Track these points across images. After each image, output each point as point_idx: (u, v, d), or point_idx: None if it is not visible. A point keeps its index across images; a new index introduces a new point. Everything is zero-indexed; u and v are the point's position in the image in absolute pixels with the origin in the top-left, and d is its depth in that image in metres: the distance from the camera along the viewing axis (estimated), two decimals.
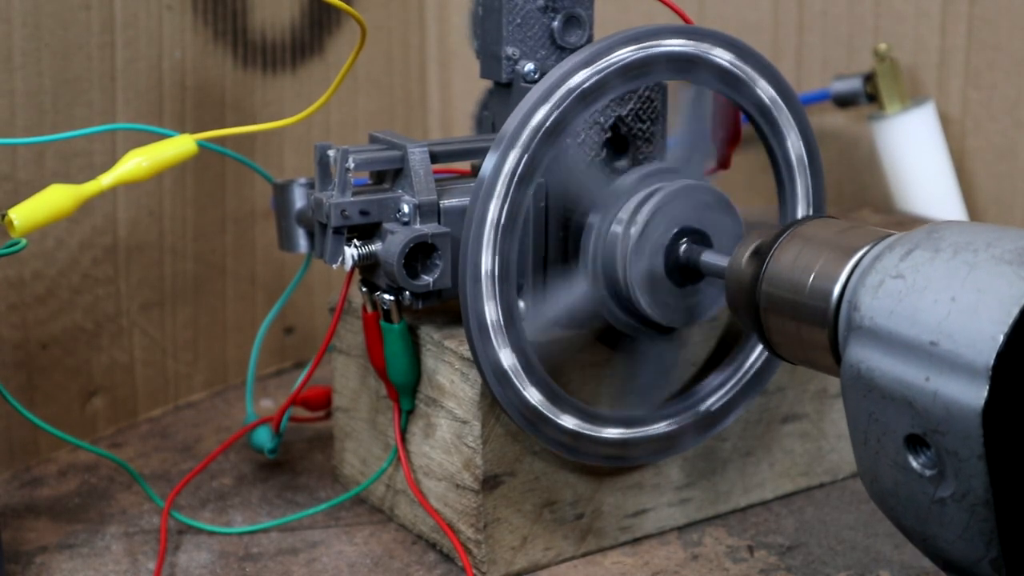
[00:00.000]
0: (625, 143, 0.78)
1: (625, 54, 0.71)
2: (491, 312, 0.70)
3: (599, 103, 0.71)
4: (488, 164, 0.69)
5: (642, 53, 0.71)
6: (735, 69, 0.74)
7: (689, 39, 0.73)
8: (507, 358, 0.70)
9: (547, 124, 0.69)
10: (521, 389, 0.71)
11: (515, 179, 0.69)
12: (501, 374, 0.70)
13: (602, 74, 0.70)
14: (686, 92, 0.75)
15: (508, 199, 0.69)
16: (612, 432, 0.74)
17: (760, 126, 0.76)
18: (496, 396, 0.71)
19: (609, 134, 0.77)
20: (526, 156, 0.69)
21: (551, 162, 0.72)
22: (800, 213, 0.78)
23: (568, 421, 0.73)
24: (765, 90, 0.76)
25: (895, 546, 0.77)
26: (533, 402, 0.71)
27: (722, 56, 0.74)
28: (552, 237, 0.75)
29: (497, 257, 0.69)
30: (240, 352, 1.01)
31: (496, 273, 0.69)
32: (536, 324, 0.73)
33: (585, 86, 0.70)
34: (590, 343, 0.76)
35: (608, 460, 0.75)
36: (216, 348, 1.00)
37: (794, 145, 0.77)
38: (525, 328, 0.71)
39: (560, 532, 0.77)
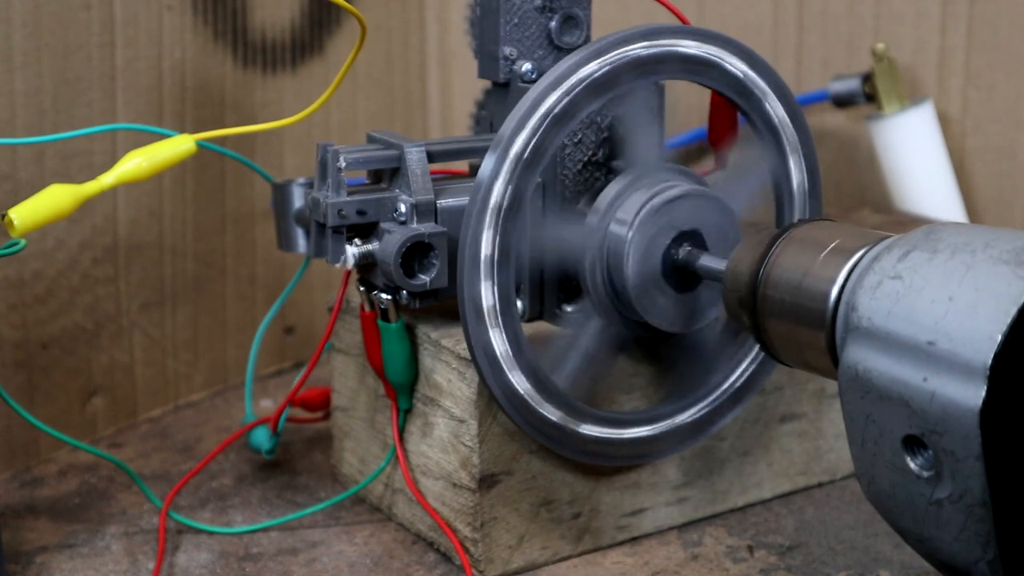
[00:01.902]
0: (622, 143, 0.78)
1: (637, 49, 0.71)
2: (487, 296, 0.70)
3: (610, 94, 0.71)
4: (500, 137, 0.69)
5: (656, 49, 0.71)
6: (748, 82, 0.74)
7: (702, 41, 0.73)
8: (510, 367, 0.70)
9: (556, 110, 0.69)
10: (538, 408, 0.72)
11: (521, 162, 0.69)
12: (513, 396, 0.71)
13: (612, 65, 0.70)
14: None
15: (513, 182, 0.69)
16: (633, 432, 0.75)
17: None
18: (514, 420, 0.71)
19: (606, 134, 0.77)
20: (533, 140, 0.69)
21: (517, 232, 0.71)
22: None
23: (590, 429, 0.73)
24: (775, 108, 0.76)
25: (895, 546, 0.77)
26: (553, 419, 0.72)
27: (736, 65, 0.74)
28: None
29: (498, 239, 0.69)
30: (240, 352, 1.01)
31: (496, 257, 0.69)
32: (564, 375, 0.73)
33: (596, 75, 0.70)
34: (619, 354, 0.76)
35: (627, 460, 0.76)
36: (216, 348, 1.00)
37: (795, 172, 0.77)
38: (556, 382, 0.72)
39: (557, 531, 0.77)
